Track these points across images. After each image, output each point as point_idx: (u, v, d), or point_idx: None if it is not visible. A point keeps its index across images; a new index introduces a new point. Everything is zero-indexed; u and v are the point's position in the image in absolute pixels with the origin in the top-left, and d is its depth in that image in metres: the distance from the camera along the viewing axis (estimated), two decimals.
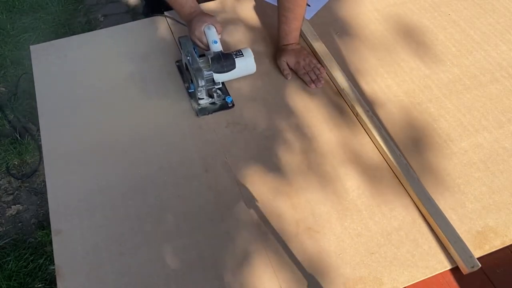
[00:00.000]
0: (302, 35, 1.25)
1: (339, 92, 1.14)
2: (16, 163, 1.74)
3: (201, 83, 1.02)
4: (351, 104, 1.09)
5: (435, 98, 1.13)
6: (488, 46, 1.25)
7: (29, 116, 1.86)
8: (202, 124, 1.07)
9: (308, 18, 1.30)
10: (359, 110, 1.07)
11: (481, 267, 0.86)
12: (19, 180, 1.70)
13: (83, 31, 2.18)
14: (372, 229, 0.91)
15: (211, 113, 1.08)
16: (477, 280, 0.86)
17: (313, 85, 1.14)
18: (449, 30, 1.29)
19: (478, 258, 0.87)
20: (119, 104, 1.12)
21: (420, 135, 1.05)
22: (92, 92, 1.14)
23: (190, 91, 1.11)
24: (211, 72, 1.05)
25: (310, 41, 1.23)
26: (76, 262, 0.86)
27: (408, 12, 1.34)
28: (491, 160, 1.01)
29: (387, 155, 0.99)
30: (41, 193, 1.67)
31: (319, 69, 1.16)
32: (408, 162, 0.99)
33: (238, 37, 1.28)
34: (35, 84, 1.15)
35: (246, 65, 1.10)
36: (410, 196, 0.95)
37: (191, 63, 1.04)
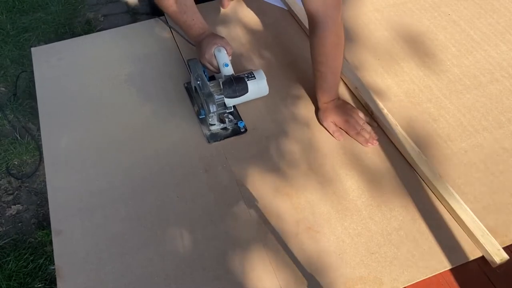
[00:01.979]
0: (307, 33, 1.25)
1: (351, 90, 1.14)
2: (16, 163, 1.74)
3: (213, 109, 0.97)
4: (365, 102, 1.09)
5: (435, 98, 1.13)
6: (488, 46, 1.25)
7: (29, 116, 1.86)
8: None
9: None
10: (374, 108, 1.08)
11: (480, 267, 0.86)
12: (19, 180, 1.70)
13: (83, 31, 2.18)
14: (372, 229, 0.91)
15: (223, 139, 1.04)
16: (477, 280, 0.86)
17: (369, 144, 1.03)
18: (449, 30, 1.29)
19: (477, 258, 0.87)
20: (120, 105, 1.12)
21: (420, 135, 1.05)
22: (93, 93, 1.14)
23: (200, 117, 1.07)
24: (222, 96, 1.00)
25: None
26: (76, 262, 0.86)
27: (408, 12, 1.34)
28: (491, 160, 1.01)
29: (407, 152, 0.99)
30: (41, 193, 1.67)
31: (368, 123, 1.06)
32: (427, 158, 0.99)
33: (237, 37, 1.28)
34: (36, 86, 1.15)
35: (258, 88, 1.06)
36: (434, 193, 0.95)
37: (202, 88, 1.00)
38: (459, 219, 0.90)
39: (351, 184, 0.97)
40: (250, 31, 1.29)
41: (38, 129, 1.77)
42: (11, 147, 1.76)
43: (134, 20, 2.30)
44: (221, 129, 1.06)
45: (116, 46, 1.25)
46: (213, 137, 1.04)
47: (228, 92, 1.00)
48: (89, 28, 2.22)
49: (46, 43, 2.11)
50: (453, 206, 0.91)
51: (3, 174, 1.72)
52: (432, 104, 1.12)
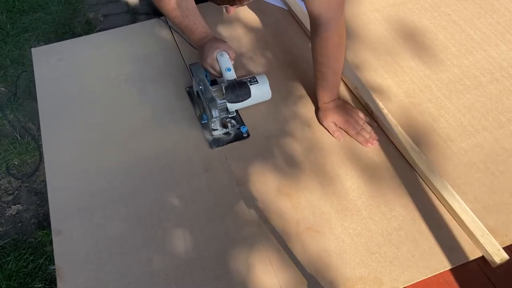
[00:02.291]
0: (307, 33, 1.25)
1: (351, 90, 1.14)
2: (16, 163, 1.74)
3: (215, 113, 0.96)
4: (365, 102, 1.10)
5: (435, 98, 1.13)
6: (488, 46, 1.25)
7: (29, 116, 1.86)
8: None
9: None
10: (374, 107, 1.08)
11: (480, 267, 0.86)
12: (19, 180, 1.70)
13: (83, 31, 2.18)
14: (372, 229, 0.91)
15: (226, 144, 1.03)
16: (477, 280, 0.86)
17: (369, 144, 1.03)
18: (449, 30, 1.29)
19: (477, 258, 0.87)
20: (120, 105, 1.12)
21: (420, 135, 1.05)
22: (93, 93, 1.14)
23: (203, 122, 1.06)
24: (224, 101, 1.00)
25: None
26: (77, 262, 0.86)
27: (408, 12, 1.34)
28: (491, 160, 1.01)
29: (407, 152, 1.00)
30: (41, 193, 1.67)
31: (368, 123, 1.06)
32: (427, 158, 0.99)
33: (237, 37, 1.28)
34: (36, 86, 1.15)
35: (261, 92, 1.04)
36: (434, 193, 0.95)
37: (204, 93, 0.98)
38: (459, 219, 0.90)
39: (351, 184, 0.97)
40: (250, 31, 1.29)
41: (38, 129, 1.77)
42: (11, 147, 1.76)
43: (134, 20, 2.29)
44: (223, 134, 1.05)
45: (116, 46, 1.25)
46: (216, 142, 1.04)
47: (231, 97, 0.99)
48: (89, 28, 2.22)
49: (46, 43, 2.11)
50: (453, 206, 0.91)
51: (3, 174, 1.72)
52: (432, 104, 1.12)
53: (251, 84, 1.03)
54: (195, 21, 1.07)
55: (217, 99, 0.98)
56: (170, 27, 1.28)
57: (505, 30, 1.28)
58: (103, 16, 2.32)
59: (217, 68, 1.02)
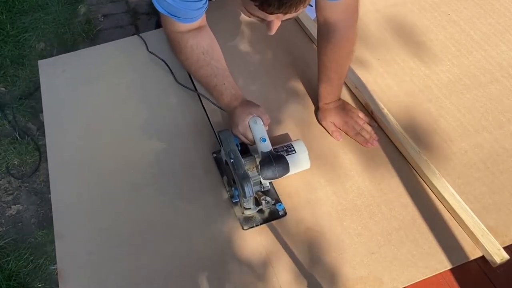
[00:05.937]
0: (307, 33, 1.25)
1: (351, 90, 1.14)
2: (16, 163, 1.74)
3: (249, 193, 0.82)
4: (365, 102, 1.10)
5: (435, 98, 1.13)
6: (488, 46, 1.25)
7: (29, 116, 1.86)
8: (203, 127, 1.07)
9: (313, 18, 1.30)
10: (374, 107, 1.08)
11: (480, 267, 0.86)
12: (19, 180, 1.70)
13: (83, 31, 2.18)
14: (372, 229, 0.91)
15: (259, 225, 0.91)
16: (477, 280, 0.86)
17: (369, 145, 1.02)
18: (449, 30, 1.29)
19: (477, 258, 0.87)
20: (122, 112, 1.11)
21: (420, 135, 1.05)
22: (96, 101, 1.13)
23: (234, 200, 0.92)
24: (258, 174, 0.87)
25: (315, 42, 1.23)
26: (78, 264, 0.86)
27: (408, 12, 1.34)
28: (491, 160, 1.01)
29: (407, 152, 1.00)
30: (41, 193, 1.67)
31: (368, 123, 1.05)
32: (427, 158, 0.99)
33: (238, 37, 1.28)
34: (42, 95, 1.14)
35: (299, 163, 0.93)
36: (434, 193, 0.95)
37: (236, 167, 0.85)
38: (459, 219, 0.90)
39: (351, 184, 0.97)
40: (251, 30, 1.29)
41: (38, 129, 1.77)
42: (11, 147, 1.76)
43: (134, 20, 2.29)
44: (256, 211, 0.92)
45: (121, 57, 1.24)
46: (248, 222, 0.91)
47: (267, 174, 0.85)
48: (89, 28, 2.21)
49: (46, 43, 2.11)
50: (453, 206, 0.91)
51: (3, 174, 1.72)
52: (432, 104, 1.12)
53: (288, 155, 0.91)
54: (225, 81, 1.00)
55: (249, 172, 0.86)
56: (198, 95, 1.11)
57: (505, 30, 1.29)
58: (103, 16, 2.32)
59: (250, 136, 0.92)
